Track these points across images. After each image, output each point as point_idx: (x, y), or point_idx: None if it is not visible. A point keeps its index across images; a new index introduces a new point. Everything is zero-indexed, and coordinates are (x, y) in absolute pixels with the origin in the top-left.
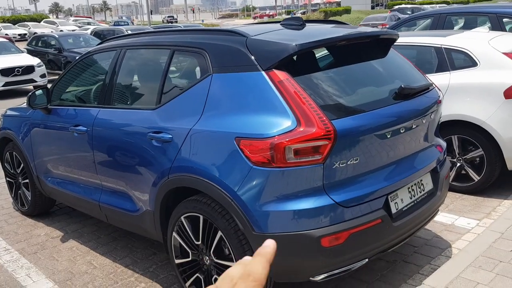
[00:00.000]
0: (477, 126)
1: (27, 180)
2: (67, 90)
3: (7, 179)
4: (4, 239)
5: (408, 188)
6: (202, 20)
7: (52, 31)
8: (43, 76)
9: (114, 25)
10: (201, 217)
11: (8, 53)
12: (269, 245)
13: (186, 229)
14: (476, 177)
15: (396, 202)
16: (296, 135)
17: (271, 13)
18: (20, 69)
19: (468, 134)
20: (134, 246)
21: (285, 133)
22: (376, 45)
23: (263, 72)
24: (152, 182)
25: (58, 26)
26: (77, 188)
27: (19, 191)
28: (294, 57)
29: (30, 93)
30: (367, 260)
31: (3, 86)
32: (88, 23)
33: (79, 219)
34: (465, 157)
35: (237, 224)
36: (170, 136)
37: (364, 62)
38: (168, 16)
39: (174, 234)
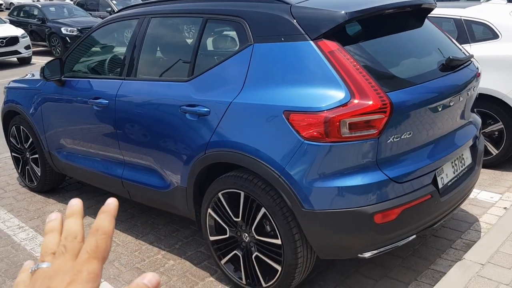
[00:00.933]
0: (497, 100)
1: (36, 156)
2: (81, 61)
3: (13, 154)
4: (16, 216)
5: (452, 162)
6: None
7: (33, 1)
8: (27, 47)
9: None
10: (242, 194)
11: None
12: (112, 202)
13: (223, 206)
14: (494, 151)
15: (442, 177)
16: (351, 108)
17: None
18: (4, 40)
19: (488, 108)
20: (155, 222)
21: (339, 106)
22: (416, 15)
23: (311, 42)
24: (185, 157)
25: None
26: (96, 163)
27: (27, 167)
28: (344, 26)
29: (43, 65)
30: (414, 236)
31: None
32: None
33: (91, 195)
34: (483, 130)
35: (283, 201)
36: (207, 109)
37: (407, 33)
38: None
39: (210, 211)
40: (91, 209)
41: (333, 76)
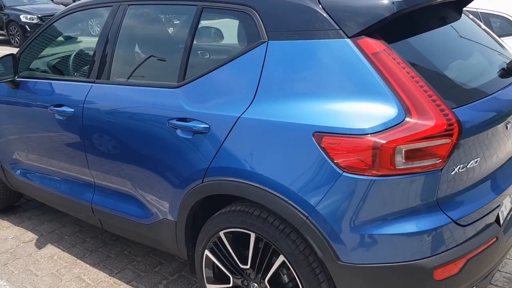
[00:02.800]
0: None
1: None
2: (39, 58)
3: None
4: None
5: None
6: None
7: None
8: None
9: None
10: (253, 235)
11: None
12: None
13: (226, 248)
14: None
15: (502, 211)
16: (408, 130)
17: None
18: None
19: None
20: (132, 253)
21: (391, 128)
22: (454, 7)
23: (348, 40)
24: (175, 184)
25: None
26: (60, 184)
27: None
28: (391, 21)
29: None
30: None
31: None
32: None
33: (54, 216)
34: None
35: (309, 248)
36: (205, 125)
37: (453, 29)
38: None
39: (207, 252)
40: (53, 234)
41: (379, 86)
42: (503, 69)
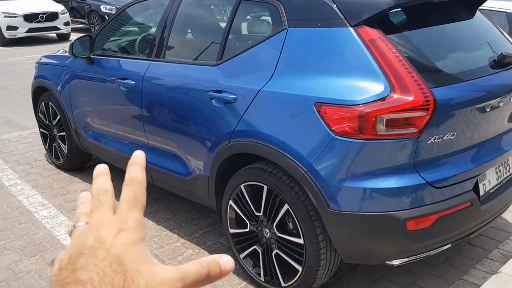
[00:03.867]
0: None
1: (63, 133)
2: (111, 40)
3: (41, 130)
4: (40, 193)
5: (496, 168)
6: None
7: None
8: (66, 24)
9: None
10: (265, 187)
11: None
12: (139, 154)
13: (245, 199)
14: None
15: (484, 184)
16: (390, 103)
17: None
18: (44, 16)
19: None
20: (177, 208)
21: (376, 101)
22: (466, 6)
23: (351, 29)
24: (209, 145)
25: None
26: (120, 145)
27: (54, 144)
28: (388, 14)
29: (73, 41)
30: (449, 245)
31: (26, 32)
32: None
33: (116, 177)
34: None
35: (308, 199)
36: (234, 96)
37: (456, 24)
38: None
39: (231, 202)
40: (115, 190)
41: (372, 67)
42: (494, 60)
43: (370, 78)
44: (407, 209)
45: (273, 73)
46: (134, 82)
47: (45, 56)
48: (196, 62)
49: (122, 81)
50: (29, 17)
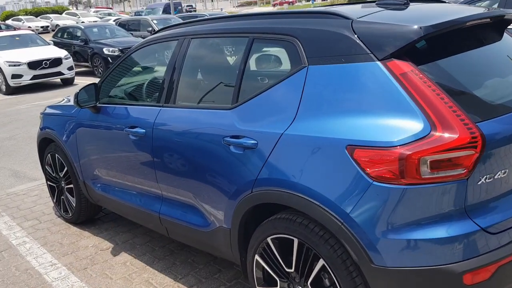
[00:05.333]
0: None
1: (71, 185)
2: (117, 86)
3: (48, 183)
4: (49, 252)
5: None
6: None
7: (77, 23)
8: (70, 68)
9: (135, 15)
10: (296, 241)
11: (35, 45)
12: None
13: (273, 253)
14: None
15: None
16: (433, 142)
17: (291, 0)
18: (48, 62)
19: None
20: (195, 261)
21: (417, 140)
22: (494, 28)
23: (379, 63)
24: (229, 195)
25: (79, 17)
26: (132, 196)
27: (62, 197)
28: (418, 44)
29: (78, 91)
30: None
31: (31, 79)
32: (109, 14)
33: (128, 228)
34: None
35: (347, 252)
36: (254, 141)
37: (486, 48)
38: (187, 6)
39: (257, 257)
40: (127, 244)
41: (406, 103)
42: None
43: (406, 116)
44: (463, 261)
45: (296, 115)
46: (144, 131)
47: (50, 107)
48: (209, 106)
49: (131, 129)
50: (33, 65)
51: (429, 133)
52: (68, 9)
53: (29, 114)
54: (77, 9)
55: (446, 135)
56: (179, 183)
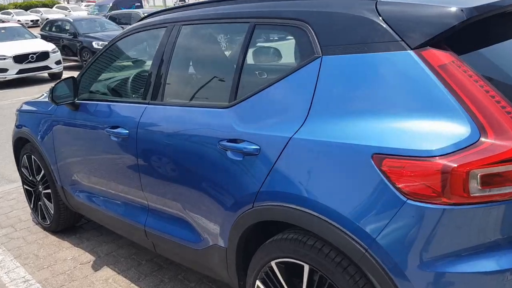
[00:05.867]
0: None
1: (49, 190)
2: (98, 80)
3: (25, 186)
4: (22, 265)
5: None
6: None
7: (65, 16)
8: (58, 62)
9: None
10: (306, 267)
11: (22, 38)
12: None
13: (278, 279)
14: None
15: None
16: (484, 152)
17: None
18: (34, 56)
19: None
20: (186, 278)
21: (463, 149)
22: None
23: (411, 52)
24: (225, 209)
25: (70, 11)
26: (115, 206)
27: (40, 203)
28: (461, 30)
29: (54, 85)
30: None
31: (16, 73)
32: None
33: (112, 237)
34: None
35: (370, 283)
36: (255, 146)
37: None
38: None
39: (259, 283)
40: (110, 256)
41: (448, 102)
42: None
43: (448, 118)
44: None
45: (307, 115)
46: (127, 131)
47: (26, 103)
48: (203, 104)
49: (113, 130)
50: (19, 58)
51: (477, 140)
52: (59, 3)
53: (12, 111)
54: (68, 3)
55: (500, 142)
56: (167, 193)
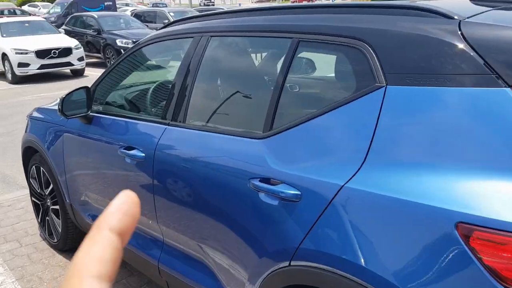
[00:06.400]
0: None
1: (57, 206)
2: (115, 90)
3: (33, 199)
4: None
5: None
6: (239, 4)
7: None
8: (81, 59)
9: (152, 7)
10: None
11: (45, 33)
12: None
13: None
14: None
15: None
16: None
17: None
18: (57, 51)
19: None
20: None
21: None
22: None
23: (509, 90)
24: (253, 260)
25: None
26: None
27: (47, 218)
28: None
29: (64, 95)
30: None
31: (38, 69)
32: (127, 4)
33: (123, 262)
34: None
35: None
36: (295, 192)
37: None
38: None
39: None
40: (119, 284)
41: None
42: None
43: None
44: None
45: (365, 158)
46: (144, 155)
47: (38, 110)
48: (231, 130)
49: (128, 151)
50: (41, 53)
51: None
52: None
53: (33, 107)
54: None
55: None
56: (186, 229)
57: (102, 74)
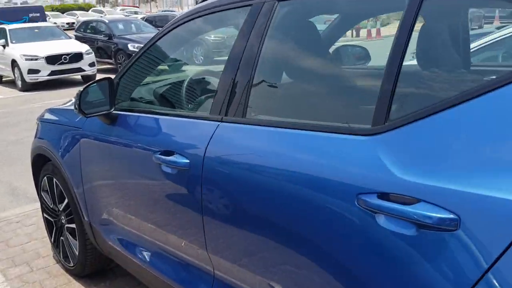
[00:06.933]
0: None
1: (73, 225)
2: (144, 84)
3: (45, 215)
4: None
5: None
6: None
7: (101, 16)
8: (92, 64)
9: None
10: None
11: (55, 38)
12: None
13: None
14: None
15: None
16: None
17: None
18: (67, 57)
19: None
20: None
21: None
22: None
23: None
24: None
25: (105, 15)
26: (163, 264)
27: (62, 237)
28: None
29: (81, 89)
30: None
31: (48, 75)
32: (135, 12)
33: None
34: None
35: None
36: (451, 216)
37: None
38: None
39: None
40: None
41: None
42: None
43: None
44: None
45: None
46: (188, 161)
47: (50, 110)
48: (319, 125)
49: (165, 157)
50: (51, 59)
51: None
52: (95, 7)
53: None
54: (104, 6)
55: None
56: (250, 260)
57: (127, 62)
